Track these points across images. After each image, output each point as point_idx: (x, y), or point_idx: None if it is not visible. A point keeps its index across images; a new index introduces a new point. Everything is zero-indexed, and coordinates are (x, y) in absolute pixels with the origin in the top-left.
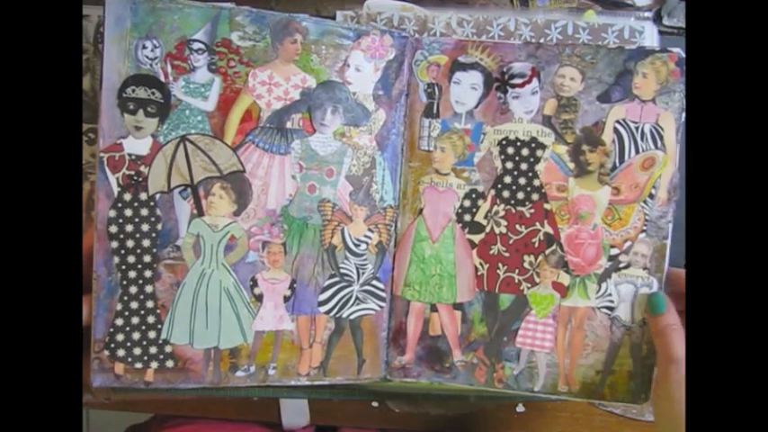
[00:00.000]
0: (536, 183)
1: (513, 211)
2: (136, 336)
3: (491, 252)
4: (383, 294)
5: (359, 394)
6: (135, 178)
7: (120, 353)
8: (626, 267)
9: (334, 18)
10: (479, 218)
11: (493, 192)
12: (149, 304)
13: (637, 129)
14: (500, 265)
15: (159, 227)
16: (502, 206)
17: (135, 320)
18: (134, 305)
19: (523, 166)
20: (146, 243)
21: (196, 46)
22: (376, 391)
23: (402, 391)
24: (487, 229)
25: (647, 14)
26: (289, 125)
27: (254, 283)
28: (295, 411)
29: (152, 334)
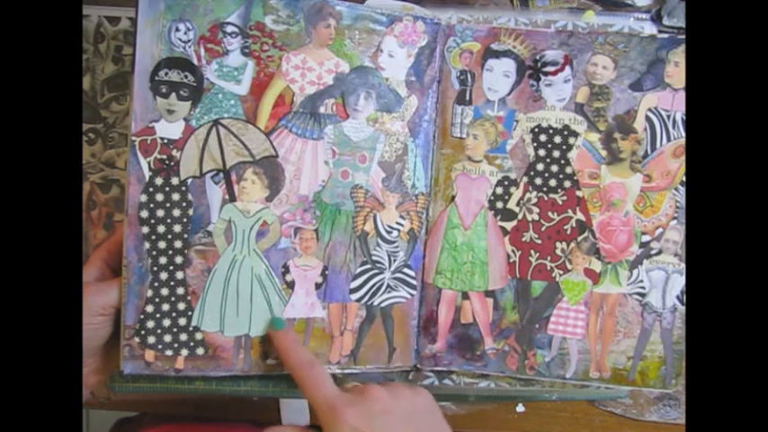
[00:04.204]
0: (568, 170)
1: (546, 198)
2: (166, 322)
3: (523, 239)
4: (414, 282)
5: None
6: (166, 162)
7: (151, 340)
8: (657, 254)
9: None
10: (512, 205)
11: (525, 179)
12: (180, 291)
13: (668, 117)
14: (532, 252)
15: (191, 212)
16: (534, 193)
17: (165, 307)
18: (164, 292)
19: (556, 154)
20: (177, 228)
21: (229, 29)
22: None
23: None
24: (520, 217)
25: (645, 15)
26: (322, 110)
27: (286, 270)
28: (295, 411)
29: (182, 321)
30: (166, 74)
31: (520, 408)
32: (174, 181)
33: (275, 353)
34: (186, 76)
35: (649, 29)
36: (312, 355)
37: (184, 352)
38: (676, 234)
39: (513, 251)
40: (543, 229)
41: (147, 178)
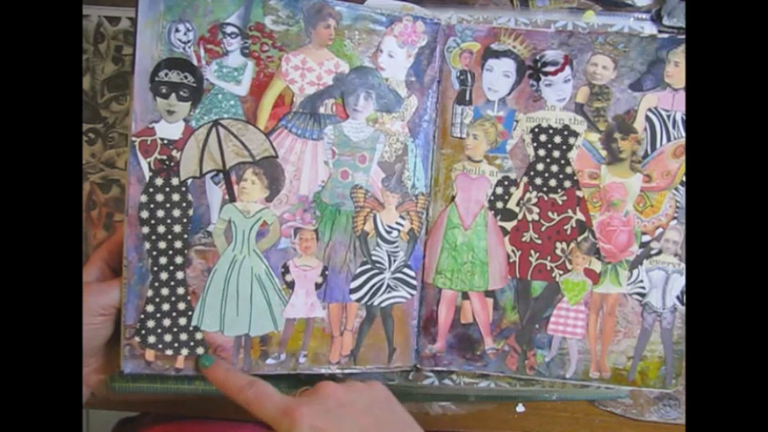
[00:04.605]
0: (568, 170)
1: (546, 198)
2: (166, 322)
3: (523, 239)
4: (414, 282)
5: None
6: (167, 163)
7: (151, 339)
8: (657, 254)
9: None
10: (512, 205)
11: (525, 179)
12: (180, 291)
13: (668, 117)
14: (532, 252)
15: (191, 212)
16: (534, 193)
17: (165, 307)
18: (165, 291)
19: (556, 154)
20: (177, 229)
21: (229, 30)
22: None
23: (402, 392)
24: (520, 217)
25: (645, 15)
26: (322, 110)
27: (286, 270)
28: None
29: (182, 321)
30: (166, 74)
31: (520, 408)
32: (174, 181)
33: (216, 388)
34: (186, 77)
35: (649, 29)
36: (249, 376)
37: (185, 351)
38: (676, 234)
39: (513, 251)
40: (543, 229)
41: (148, 178)
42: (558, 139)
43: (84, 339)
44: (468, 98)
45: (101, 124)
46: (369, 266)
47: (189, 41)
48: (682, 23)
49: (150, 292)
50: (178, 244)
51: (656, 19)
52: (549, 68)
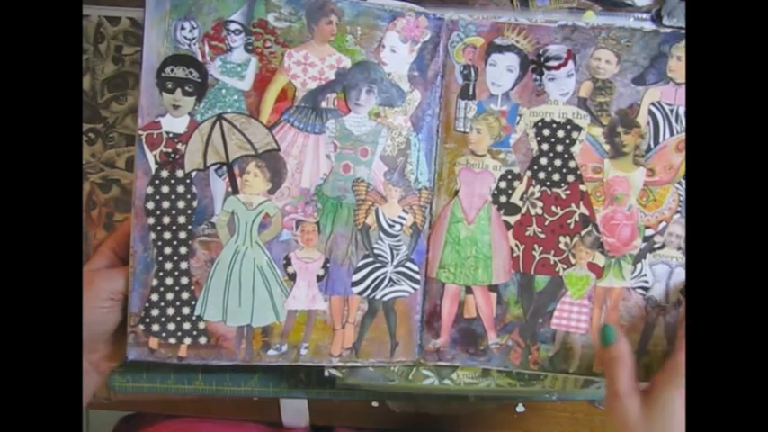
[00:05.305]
0: (571, 164)
1: (549, 192)
2: (170, 311)
3: (527, 233)
4: (417, 276)
5: (359, 395)
6: (172, 156)
7: (155, 327)
8: (661, 248)
9: None
10: (515, 199)
11: (529, 173)
12: (184, 280)
13: (671, 111)
14: (536, 246)
15: (195, 204)
16: (538, 187)
17: (169, 296)
18: (169, 281)
19: (559, 148)
20: (181, 220)
21: (233, 27)
22: (376, 391)
23: (402, 392)
24: (523, 211)
25: (645, 15)
26: (324, 105)
27: (288, 262)
28: (295, 411)
29: (186, 310)
30: (172, 70)
31: (520, 408)
32: (179, 174)
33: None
34: (191, 73)
35: (649, 29)
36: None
37: (187, 340)
38: (679, 228)
39: (516, 245)
40: (547, 223)
41: (153, 171)
42: (561, 134)
43: (93, 324)
44: (471, 93)
45: (101, 124)
46: (371, 260)
47: (194, 38)
48: (682, 23)
49: (155, 282)
50: (182, 235)
51: (656, 19)
52: (553, 63)
